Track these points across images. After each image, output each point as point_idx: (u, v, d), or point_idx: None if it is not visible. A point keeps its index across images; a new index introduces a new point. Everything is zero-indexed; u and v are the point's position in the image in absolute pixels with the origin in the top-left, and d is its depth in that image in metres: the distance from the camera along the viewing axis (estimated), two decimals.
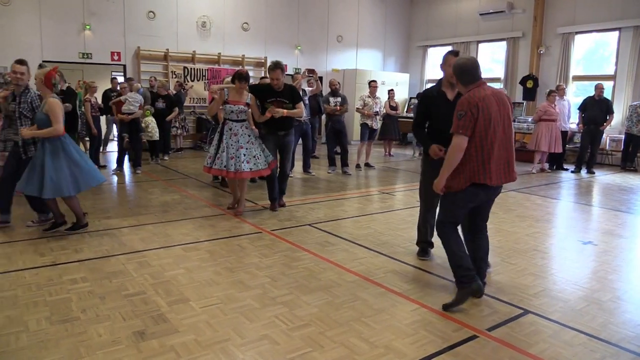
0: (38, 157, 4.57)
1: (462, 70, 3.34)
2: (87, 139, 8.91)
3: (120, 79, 10.55)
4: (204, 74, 12.42)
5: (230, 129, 5.50)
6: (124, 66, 11.58)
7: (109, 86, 10.17)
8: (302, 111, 5.68)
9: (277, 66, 5.50)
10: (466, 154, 3.27)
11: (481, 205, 3.53)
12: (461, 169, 3.31)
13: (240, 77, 5.47)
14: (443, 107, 3.94)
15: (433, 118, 4.09)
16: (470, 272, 3.40)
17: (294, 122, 5.92)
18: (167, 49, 11.92)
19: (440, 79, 4.11)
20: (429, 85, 13.49)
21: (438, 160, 3.78)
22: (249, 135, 5.58)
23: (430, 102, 4.09)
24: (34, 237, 4.72)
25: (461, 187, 3.34)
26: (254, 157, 5.54)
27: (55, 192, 4.52)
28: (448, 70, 3.85)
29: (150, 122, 9.38)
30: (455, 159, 3.28)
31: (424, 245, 4.48)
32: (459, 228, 3.54)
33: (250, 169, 5.51)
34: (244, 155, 5.48)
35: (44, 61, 10.43)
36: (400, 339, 2.90)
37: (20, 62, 4.85)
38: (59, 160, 4.55)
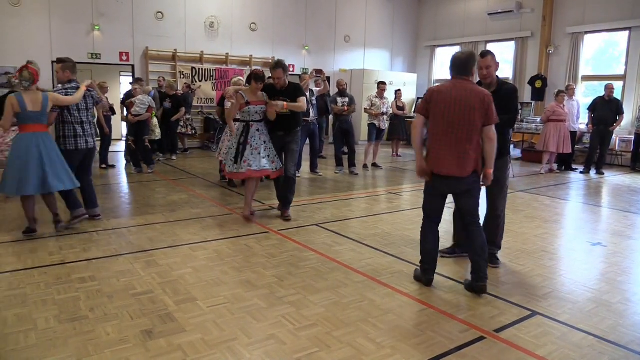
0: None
1: (453, 63, 3.61)
2: (99, 138, 8.97)
3: (126, 79, 10.62)
4: (211, 74, 12.45)
5: (258, 130, 5.44)
6: (133, 66, 11.64)
7: (124, 87, 10.25)
8: (303, 105, 5.59)
9: (278, 65, 5.45)
10: (427, 146, 3.64)
11: (457, 199, 3.71)
12: (427, 159, 3.63)
13: (257, 77, 5.39)
14: None
15: None
16: (423, 265, 3.75)
17: (298, 124, 5.84)
18: (175, 50, 11.97)
19: (479, 81, 4.20)
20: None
21: None
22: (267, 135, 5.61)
23: None
24: (43, 236, 4.76)
25: (422, 176, 3.70)
26: (276, 155, 5.59)
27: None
28: (479, 73, 4.05)
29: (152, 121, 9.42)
30: (412, 136, 3.67)
31: (453, 245, 4.58)
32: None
33: (277, 167, 5.59)
34: (274, 154, 5.56)
35: (54, 62, 10.54)
36: (407, 340, 2.90)
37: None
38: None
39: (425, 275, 3.76)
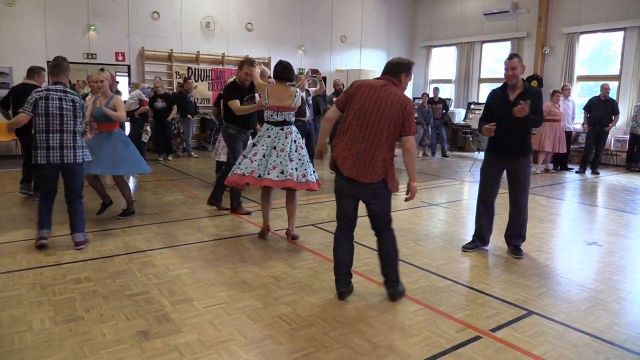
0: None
1: (386, 63, 3.41)
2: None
3: (122, 79, 10.62)
4: (208, 75, 12.44)
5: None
6: (129, 66, 11.62)
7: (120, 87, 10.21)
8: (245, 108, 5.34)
9: (252, 63, 5.27)
10: (334, 141, 3.39)
11: (365, 204, 3.41)
12: (333, 152, 3.39)
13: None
14: (503, 106, 4.30)
15: (495, 115, 4.38)
16: (336, 276, 3.47)
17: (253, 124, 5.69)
18: (171, 50, 11.94)
19: (505, 82, 4.44)
20: (434, 86, 13.57)
21: (490, 156, 4.50)
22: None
23: (493, 100, 4.46)
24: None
25: (332, 169, 3.44)
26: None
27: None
28: (505, 73, 4.29)
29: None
30: (323, 124, 3.57)
31: (474, 238, 4.71)
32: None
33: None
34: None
35: (49, 62, 10.49)
36: (403, 340, 2.90)
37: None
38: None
39: (337, 287, 3.46)
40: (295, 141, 4.65)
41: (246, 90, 5.50)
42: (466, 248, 4.65)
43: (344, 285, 3.47)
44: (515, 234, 4.57)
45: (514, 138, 4.32)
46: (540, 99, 4.32)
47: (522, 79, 4.35)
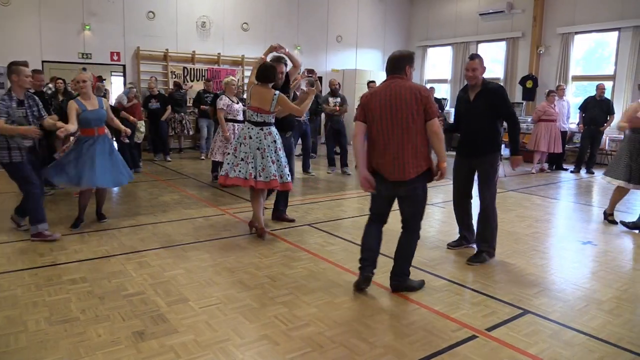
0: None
1: (387, 61, 3.51)
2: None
3: (118, 79, 10.58)
4: (203, 74, 12.40)
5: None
6: (124, 66, 11.57)
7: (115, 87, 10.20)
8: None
9: None
10: (368, 153, 3.51)
11: (399, 202, 3.57)
12: (369, 158, 3.51)
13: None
14: (465, 106, 4.37)
15: (460, 115, 4.49)
16: (361, 262, 3.58)
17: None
18: (167, 49, 11.91)
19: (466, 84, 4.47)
20: (429, 86, 13.58)
21: (458, 156, 4.53)
22: None
23: (458, 102, 4.52)
24: (33, 238, 4.71)
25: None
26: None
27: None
28: (466, 74, 4.31)
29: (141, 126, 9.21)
30: (354, 143, 3.54)
31: (459, 237, 4.77)
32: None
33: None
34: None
35: (44, 61, 10.45)
36: (399, 339, 2.90)
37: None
38: None
39: (360, 274, 3.57)
40: (275, 141, 4.78)
41: (287, 88, 5.34)
42: (451, 246, 4.71)
43: (369, 270, 3.58)
44: (478, 236, 4.37)
45: (476, 137, 4.31)
46: (500, 95, 4.21)
47: (483, 78, 4.30)
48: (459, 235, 4.77)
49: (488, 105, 4.20)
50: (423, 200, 3.54)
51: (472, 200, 4.62)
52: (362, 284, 3.55)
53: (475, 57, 4.29)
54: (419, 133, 3.33)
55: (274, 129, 4.81)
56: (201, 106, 10.47)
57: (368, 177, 3.49)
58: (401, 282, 3.59)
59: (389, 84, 3.40)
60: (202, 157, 10.63)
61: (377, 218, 3.67)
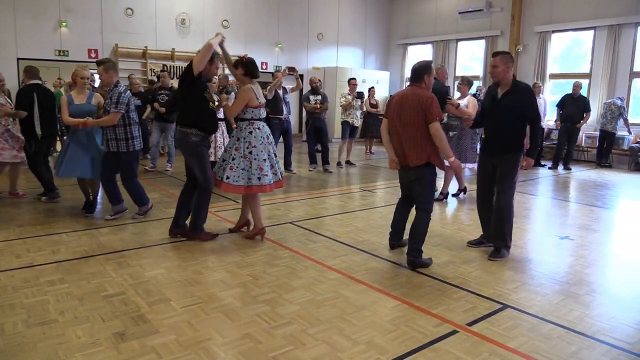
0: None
1: (411, 71, 4.20)
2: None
3: (96, 76, 10.35)
4: None
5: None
6: None
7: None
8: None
9: None
10: (390, 138, 4.26)
11: (411, 185, 4.25)
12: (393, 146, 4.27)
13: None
14: (490, 103, 4.49)
15: (485, 112, 4.60)
16: (391, 229, 4.54)
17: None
18: (146, 47, 11.78)
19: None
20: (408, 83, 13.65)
21: (481, 154, 4.72)
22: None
23: (486, 97, 4.63)
24: (9, 239, 4.62)
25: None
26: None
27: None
28: (490, 72, 4.42)
29: None
30: (382, 135, 4.34)
31: (481, 235, 4.83)
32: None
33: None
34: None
35: (19, 59, 10.24)
36: (381, 335, 2.92)
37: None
38: None
39: (390, 238, 4.55)
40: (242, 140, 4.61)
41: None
42: (472, 244, 4.74)
43: (395, 239, 4.53)
44: (497, 233, 4.42)
45: (500, 135, 4.36)
46: (528, 97, 4.27)
47: (514, 77, 4.33)
48: (480, 235, 4.76)
49: (514, 104, 4.23)
50: (429, 184, 4.14)
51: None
52: (390, 248, 4.54)
53: (497, 54, 4.34)
54: (420, 131, 3.99)
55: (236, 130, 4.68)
56: (154, 104, 8.79)
57: (394, 159, 4.22)
58: (415, 258, 4.06)
59: (406, 91, 4.12)
60: (149, 168, 8.85)
61: (404, 197, 4.45)
